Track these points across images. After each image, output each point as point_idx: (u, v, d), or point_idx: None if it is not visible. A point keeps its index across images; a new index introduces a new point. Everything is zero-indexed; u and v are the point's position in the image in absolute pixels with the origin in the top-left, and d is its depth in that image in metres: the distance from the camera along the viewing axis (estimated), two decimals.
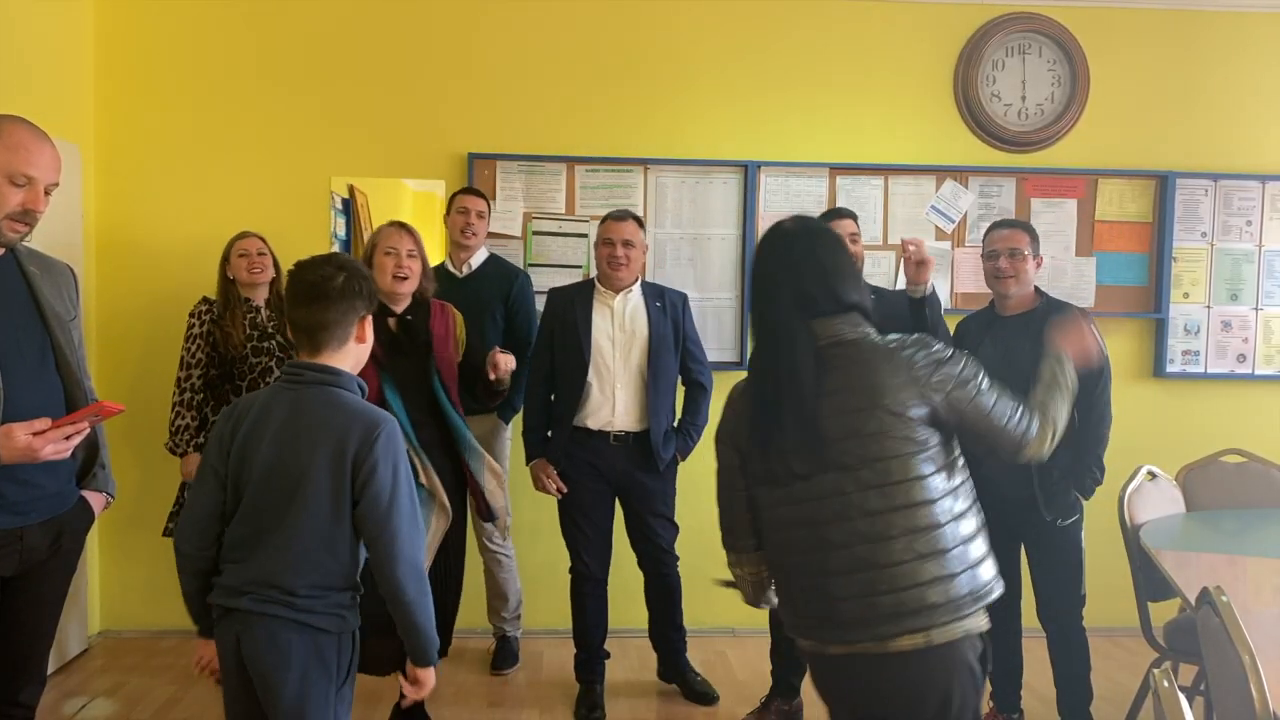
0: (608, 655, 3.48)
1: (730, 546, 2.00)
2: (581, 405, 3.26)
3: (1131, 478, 3.05)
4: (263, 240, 3.57)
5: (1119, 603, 3.13)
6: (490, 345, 3.59)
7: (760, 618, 3.29)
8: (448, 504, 2.83)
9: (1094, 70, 4.18)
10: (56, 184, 2.09)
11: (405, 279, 2.89)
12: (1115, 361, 3.07)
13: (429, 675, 1.97)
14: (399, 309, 2.93)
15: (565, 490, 3.28)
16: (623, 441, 3.27)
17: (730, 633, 4.12)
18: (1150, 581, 2.86)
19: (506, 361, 3.01)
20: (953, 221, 4.17)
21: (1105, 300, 4.19)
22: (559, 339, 3.32)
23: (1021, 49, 4.19)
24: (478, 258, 3.73)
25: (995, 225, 3.11)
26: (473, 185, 3.89)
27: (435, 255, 3.97)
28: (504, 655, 3.78)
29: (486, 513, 3.08)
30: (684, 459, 3.40)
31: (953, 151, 4.18)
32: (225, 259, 3.55)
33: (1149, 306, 4.23)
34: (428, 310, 3.01)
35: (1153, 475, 3.13)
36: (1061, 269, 4.15)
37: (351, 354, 1.97)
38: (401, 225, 2.98)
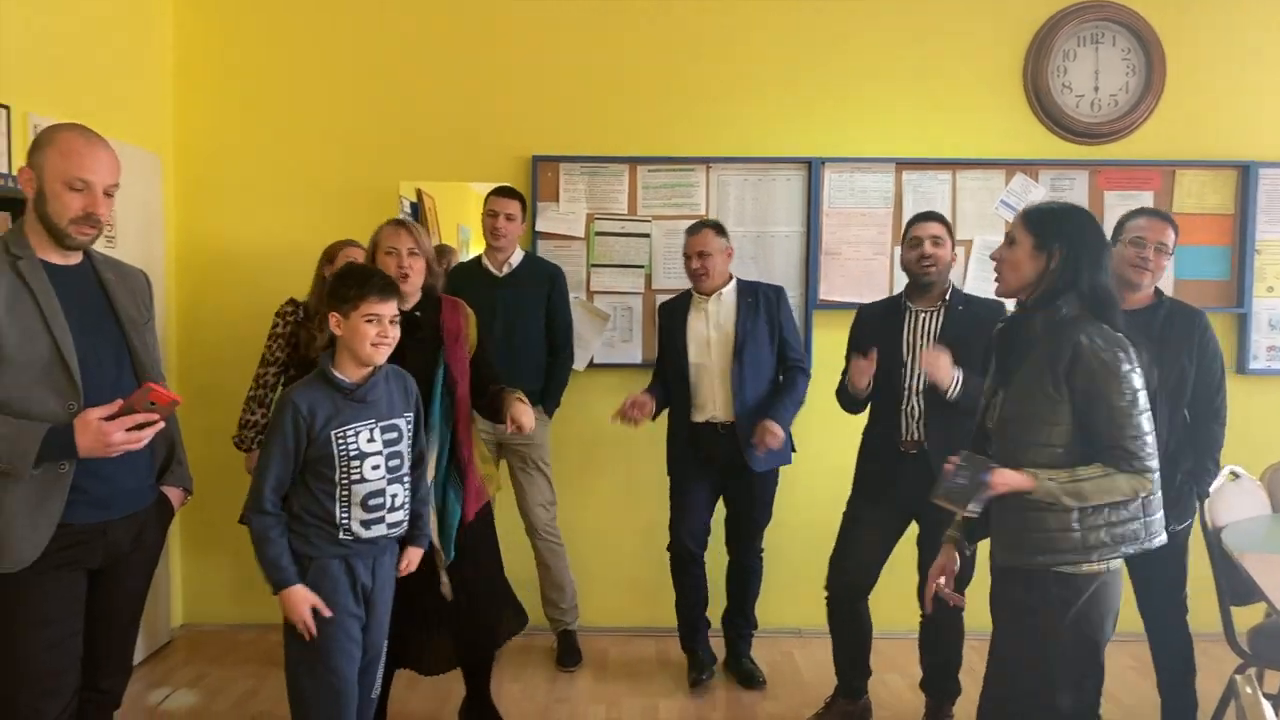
0: (708, 623, 3.69)
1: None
2: (690, 402, 3.49)
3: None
4: (365, 251, 3.63)
5: (1201, 607, 3.03)
6: (534, 343, 3.71)
7: (824, 618, 3.28)
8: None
9: (1170, 58, 4.06)
10: (115, 185, 2.15)
11: (406, 278, 2.81)
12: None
13: (282, 599, 2.29)
14: (407, 305, 2.85)
15: (644, 411, 3.42)
16: (728, 430, 3.43)
17: (796, 633, 4.10)
18: (1233, 585, 2.78)
19: (528, 422, 2.83)
20: None
21: (1185, 295, 4.01)
22: (665, 349, 3.59)
23: (1094, 38, 4.09)
24: (515, 257, 3.77)
25: (1140, 213, 3.00)
26: (535, 187, 3.93)
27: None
28: (568, 651, 3.82)
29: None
30: (784, 427, 3.36)
31: (1022, 145, 4.10)
32: (329, 261, 3.56)
33: (1231, 301, 4.09)
34: (438, 305, 2.92)
35: (1235, 475, 3.01)
36: None
37: None
38: (400, 223, 2.92)
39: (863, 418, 3.22)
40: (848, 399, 3.22)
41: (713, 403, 3.45)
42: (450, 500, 2.81)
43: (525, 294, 3.72)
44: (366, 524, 2.34)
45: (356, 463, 2.32)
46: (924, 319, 3.09)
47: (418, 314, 2.86)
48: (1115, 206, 4.02)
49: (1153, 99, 4.07)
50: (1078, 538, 2.11)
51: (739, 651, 3.68)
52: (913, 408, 3.03)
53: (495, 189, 3.78)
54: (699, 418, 3.48)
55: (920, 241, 3.09)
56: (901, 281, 3.31)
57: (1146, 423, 2.10)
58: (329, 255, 3.60)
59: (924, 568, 3.11)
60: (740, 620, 3.68)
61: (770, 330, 3.47)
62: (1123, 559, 2.18)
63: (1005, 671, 2.24)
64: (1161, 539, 2.19)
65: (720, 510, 3.63)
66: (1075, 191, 4.07)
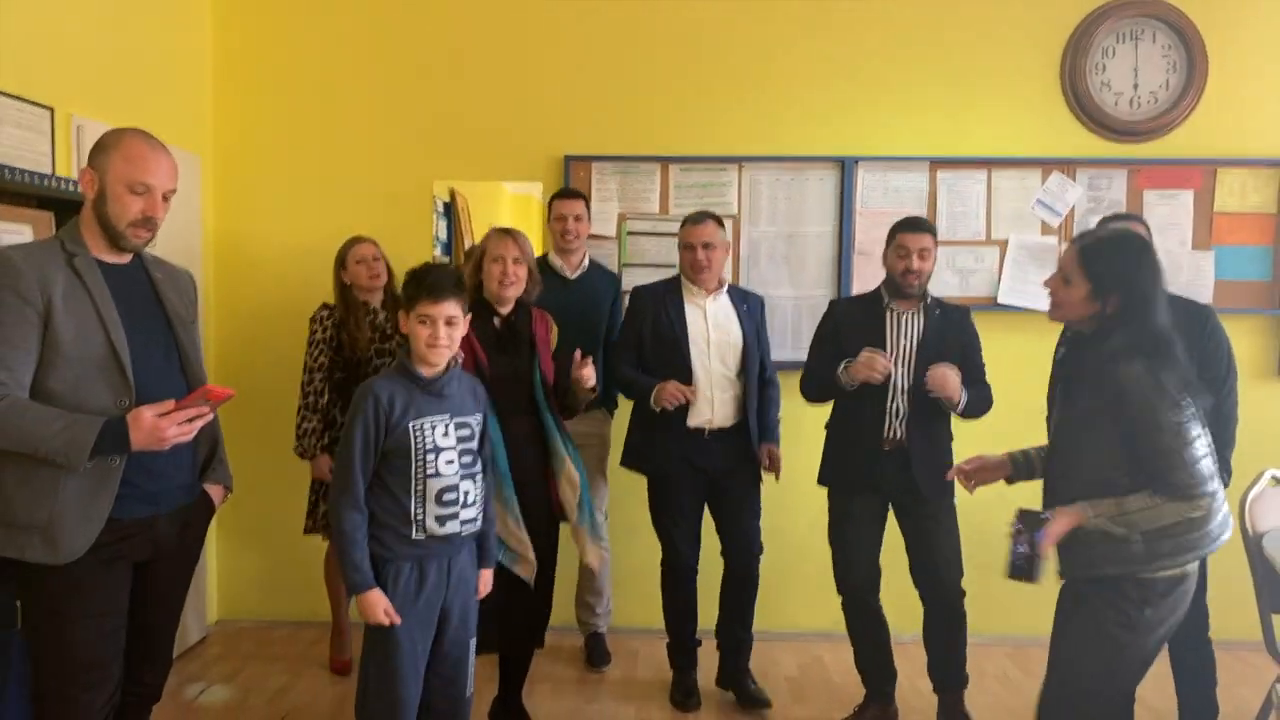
0: (699, 643, 3.52)
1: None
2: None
3: (1254, 483, 2.90)
4: (375, 244, 3.66)
5: (1241, 615, 2.98)
6: (597, 347, 3.65)
7: None
8: (532, 559, 2.85)
9: (1212, 55, 3.99)
10: (174, 190, 2.20)
11: (511, 285, 2.90)
12: (1235, 360, 2.93)
13: (359, 601, 2.33)
14: (504, 311, 2.96)
15: (693, 399, 3.23)
16: (716, 437, 3.32)
17: (826, 637, 4.07)
18: (1274, 593, 2.73)
19: (590, 374, 2.95)
20: (1059, 215, 4.03)
21: (1225, 295, 3.99)
22: (650, 339, 3.34)
23: (1134, 35, 4.03)
24: (585, 259, 3.77)
25: (1117, 218, 3.04)
26: (569, 186, 3.94)
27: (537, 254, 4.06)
28: (597, 652, 3.83)
29: (558, 509, 3.03)
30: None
31: (1059, 143, 4.05)
32: (341, 264, 3.62)
33: (1272, 302, 4.02)
34: (529, 314, 3.02)
35: (1277, 480, 2.97)
36: (1177, 263, 3.96)
37: None
38: (508, 232, 2.97)
39: None
40: (817, 389, 3.21)
41: (709, 408, 3.28)
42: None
43: (594, 298, 3.71)
44: (441, 520, 2.36)
45: (432, 456, 2.35)
46: (905, 320, 3.11)
47: (513, 319, 2.95)
48: (1155, 205, 3.97)
49: (1194, 96, 4.00)
50: (1140, 549, 2.15)
51: (739, 667, 3.46)
52: (898, 407, 3.06)
53: (558, 192, 3.78)
54: (690, 423, 3.27)
55: (909, 253, 3.07)
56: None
57: (1196, 449, 2.11)
58: (340, 259, 3.64)
59: (914, 565, 3.16)
60: (741, 631, 3.45)
61: (758, 339, 3.39)
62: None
63: (1073, 670, 2.26)
64: (1223, 539, 2.21)
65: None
66: (1114, 190, 4.02)
